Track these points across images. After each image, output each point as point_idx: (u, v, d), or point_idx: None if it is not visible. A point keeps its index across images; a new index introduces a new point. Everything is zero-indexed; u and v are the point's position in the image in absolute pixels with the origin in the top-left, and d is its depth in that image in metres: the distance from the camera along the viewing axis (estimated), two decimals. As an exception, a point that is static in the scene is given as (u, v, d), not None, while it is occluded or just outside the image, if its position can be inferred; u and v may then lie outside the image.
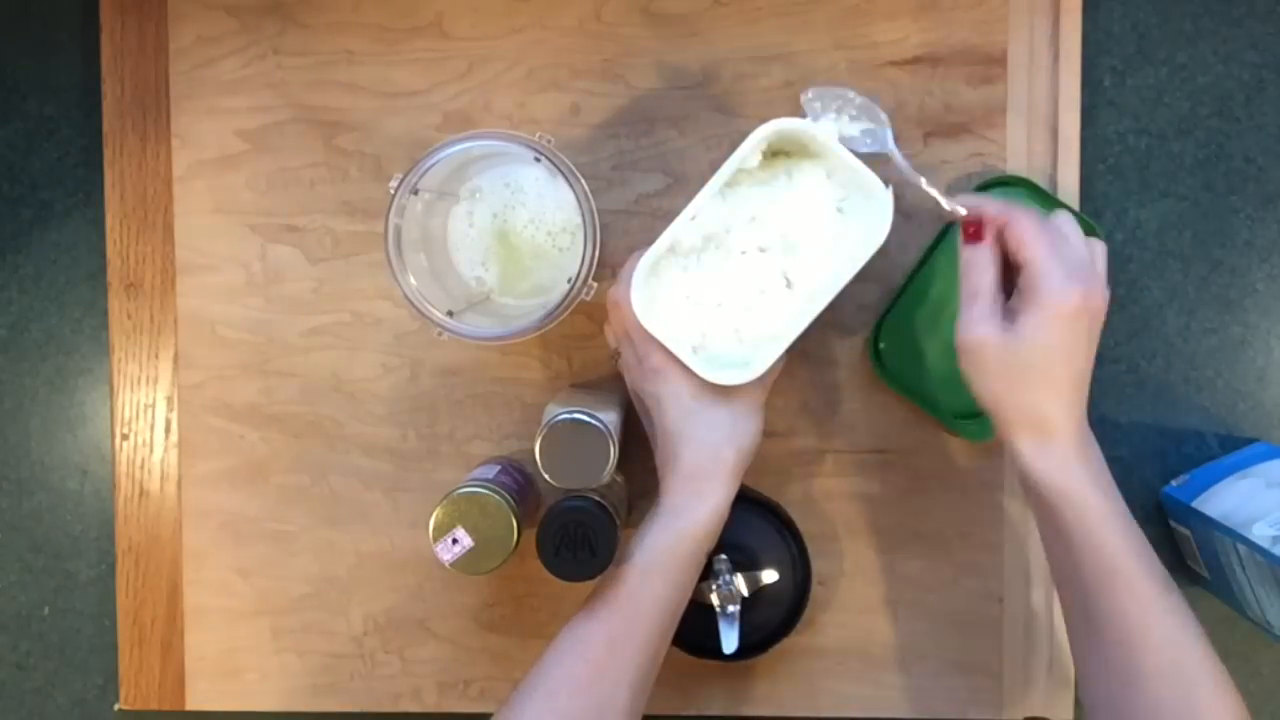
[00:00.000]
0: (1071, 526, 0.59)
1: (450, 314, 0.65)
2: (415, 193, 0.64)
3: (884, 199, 0.64)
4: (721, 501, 0.64)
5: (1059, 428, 0.59)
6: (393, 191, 0.63)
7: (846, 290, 0.75)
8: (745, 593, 0.69)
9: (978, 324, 0.60)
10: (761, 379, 0.65)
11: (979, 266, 0.61)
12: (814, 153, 0.66)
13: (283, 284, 0.77)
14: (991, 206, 0.62)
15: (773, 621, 0.72)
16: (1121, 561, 0.58)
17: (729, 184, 0.65)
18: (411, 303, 0.64)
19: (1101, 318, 0.60)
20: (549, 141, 0.64)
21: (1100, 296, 0.60)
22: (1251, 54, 0.74)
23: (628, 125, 0.75)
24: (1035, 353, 0.58)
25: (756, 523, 0.72)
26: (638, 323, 0.64)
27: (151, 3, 0.76)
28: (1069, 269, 0.59)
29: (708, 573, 0.70)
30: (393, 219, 0.64)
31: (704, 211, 0.65)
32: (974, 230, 0.62)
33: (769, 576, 0.70)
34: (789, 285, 0.67)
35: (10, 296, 0.79)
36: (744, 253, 0.66)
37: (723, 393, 0.65)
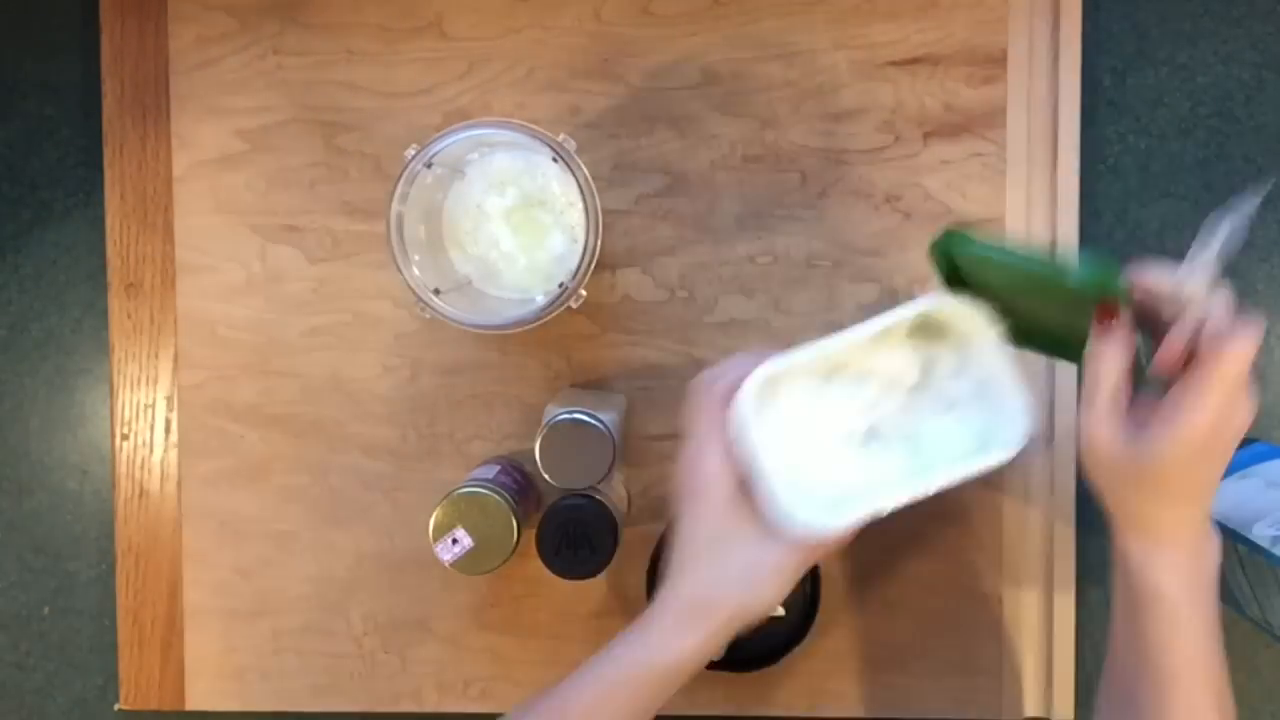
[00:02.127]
0: (1153, 625, 0.56)
1: (437, 292, 0.65)
2: (429, 165, 0.64)
3: (1017, 417, 0.58)
4: (701, 648, 0.58)
5: (1172, 536, 0.55)
6: (408, 160, 0.63)
7: (845, 290, 0.75)
8: None
9: (1098, 424, 0.54)
10: (818, 542, 0.58)
11: (1107, 358, 0.55)
12: (956, 339, 0.61)
13: (283, 284, 0.77)
14: (1194, 307, 0.54)
15: (763, 645, 0.71)
16: (1185, 669, 0.56)
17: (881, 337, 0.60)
18: (399, 269, 0.64)
19: (1243, 431, 0.54)
20: (572, 145, 0.64)
21: (1243, 415, 0.53)
22: (1251, 54, 0.75)
23: (628, 125, 0.75)
24: (1158, 471, 0.53)
25: None
26: (730, 421, 0.58)
27: (151, 3, 0.76)
28: (1225, 394, 0.52)
29: None
30: (400, 188, 0.64)
31: (845, 350, 0.60)
32: (1108, 314, 0.55)
33: (776, 610, 0.70)
34: (908, 448, 0.61)
35: (10, 296, 0.79)
36: (872, 402, 0.61)
37: (758, 539, 0.58)
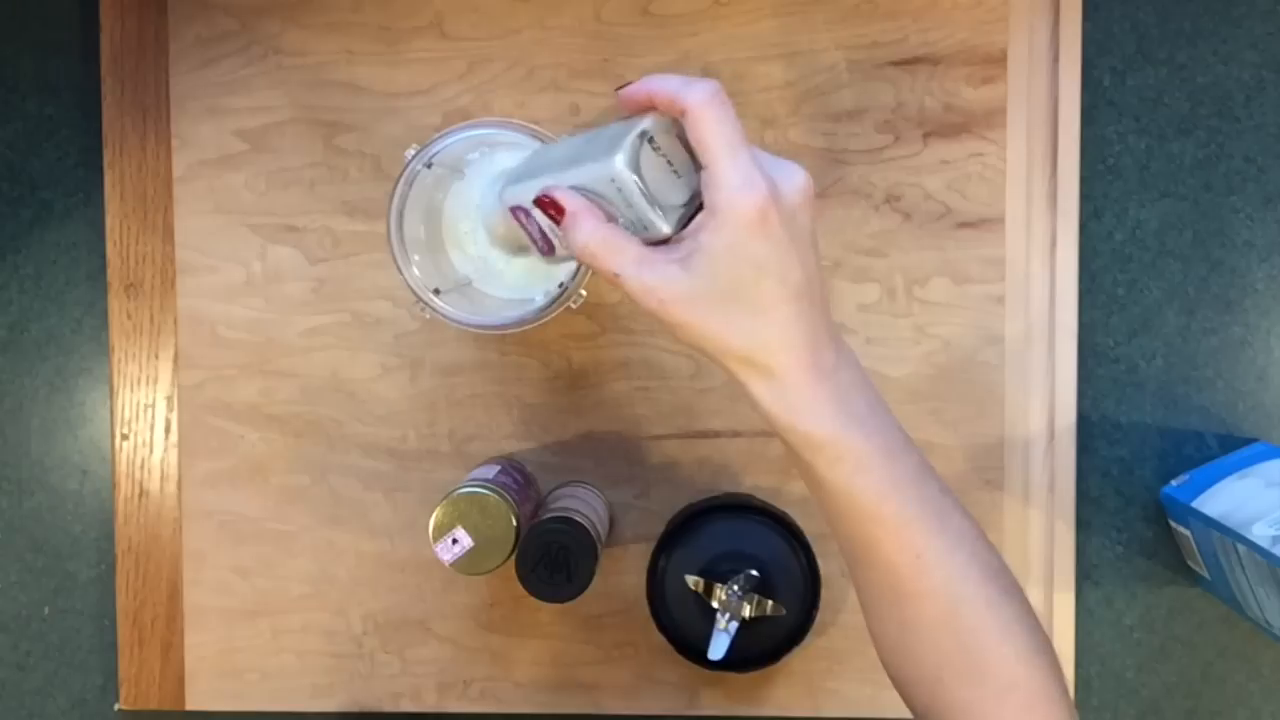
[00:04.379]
0: (823, 474, 0.49)
1: (437, 292, 0.65)
2: (429, 165, 0.64)
3: None
4: None
5: (782, 361, 0.48)
6: (408, 160, 0.63)
7: (845, 290, 0.75)
8: (747, 615, 0.69)
9: (649, 270, 0.48)
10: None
11: (585, 221, 0.50)
12: None
13: (283, 284, 0.77)
14: (659, 89, 0.48)
15: (763, 645, 0.71)
16: (885, 508, 0.49)
17: None
18: (399, 269, 0.64)
19: (802, 214, 0.48)
20: None
21: (791, 184, 0.48)
22: (1251, 54, 0.75)
23: (628, 125, 0.75)
24: (726, 279, 0.47)
25: (783, 551, 0.71)
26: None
27: (151, 3, 0.76)
28: (746, 167, 0.47)
29: (726, 576, 0.70)
30: (401, 187, 0.64)
31: None
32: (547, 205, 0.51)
33: (775, 610, 0.70)
34: None
35: (10, 296, 0.79)
36: None
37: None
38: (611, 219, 0.50)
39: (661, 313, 0.48)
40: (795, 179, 0.48)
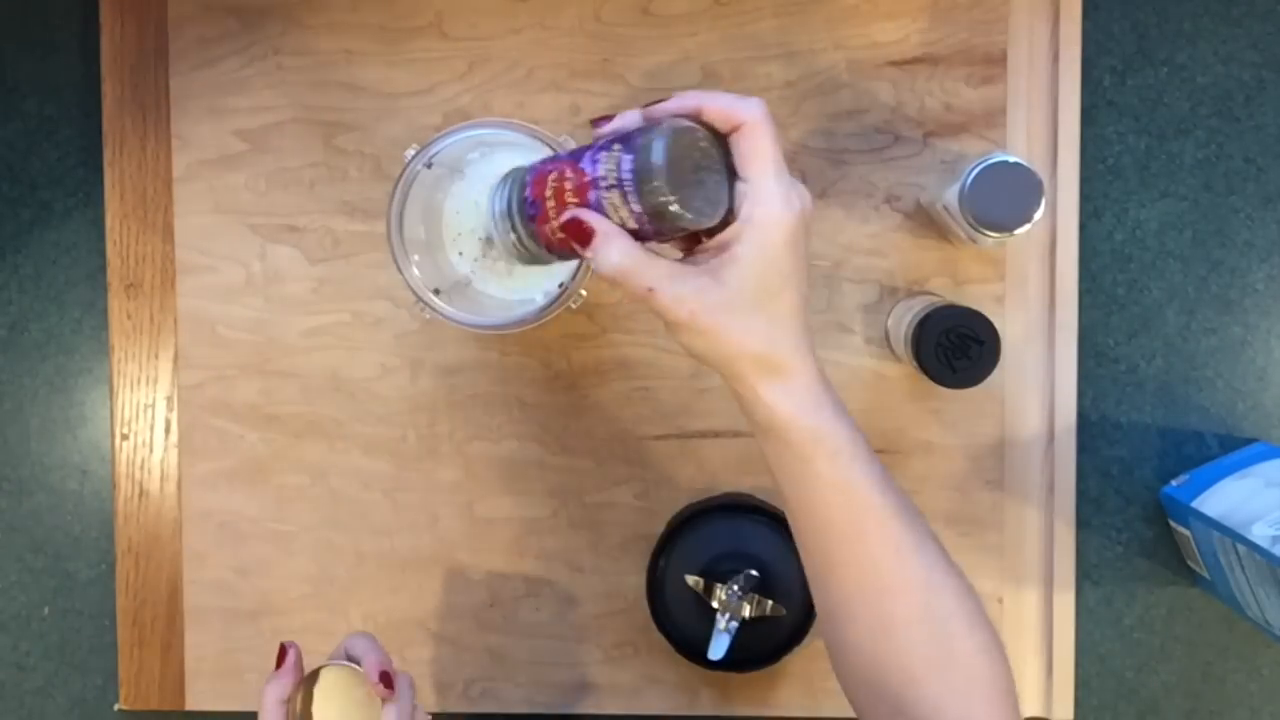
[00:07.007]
0: (822, 467, 0.52)
1: (437, 292, 0.65)
2: (429, 166, 0.64)
3: None
4: None
5: (794, 361, 0.52)
6: (408, 160, 0.63)
7: (845, 290, 0.75)
8: (747, 615, 0.69)
9: (672, 285, 0.50)
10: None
11: (614, 242, 0.51)
12: None
13: (283, 284, 0.77)
14: (713, 103, 0.53)
15: (763, 645, 0.71)
16: (878, 498, 0.53)
17: None
18: (399, 269, 0.64)
19: (809, 231, 0.53)
20: (572, 145, 0.64)
21: (808, 202, 0.52)
22: (1251, 54, 0.75)
23: (628, 125, 0.75)
24: (755, 288, 0.51)
25: (783, 551, 0.71)
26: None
27: (151, 3, 0.76)
28: (786, 185, 0.51)
29: (726, 576, 0.70)
30: (401, 187, 0.64)
31: None
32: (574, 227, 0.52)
33: (774, 610, 0.70)
34: None
35: (10, 296, 0.79)
36: None
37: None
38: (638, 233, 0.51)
39: (691, 322, 0.51)
40: (807, 198, 0.52)
